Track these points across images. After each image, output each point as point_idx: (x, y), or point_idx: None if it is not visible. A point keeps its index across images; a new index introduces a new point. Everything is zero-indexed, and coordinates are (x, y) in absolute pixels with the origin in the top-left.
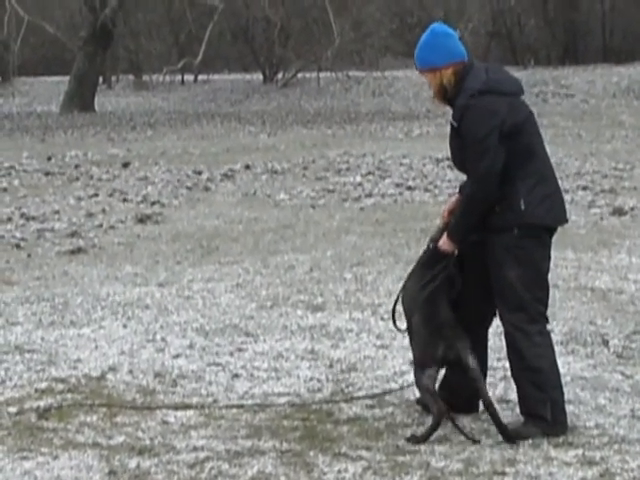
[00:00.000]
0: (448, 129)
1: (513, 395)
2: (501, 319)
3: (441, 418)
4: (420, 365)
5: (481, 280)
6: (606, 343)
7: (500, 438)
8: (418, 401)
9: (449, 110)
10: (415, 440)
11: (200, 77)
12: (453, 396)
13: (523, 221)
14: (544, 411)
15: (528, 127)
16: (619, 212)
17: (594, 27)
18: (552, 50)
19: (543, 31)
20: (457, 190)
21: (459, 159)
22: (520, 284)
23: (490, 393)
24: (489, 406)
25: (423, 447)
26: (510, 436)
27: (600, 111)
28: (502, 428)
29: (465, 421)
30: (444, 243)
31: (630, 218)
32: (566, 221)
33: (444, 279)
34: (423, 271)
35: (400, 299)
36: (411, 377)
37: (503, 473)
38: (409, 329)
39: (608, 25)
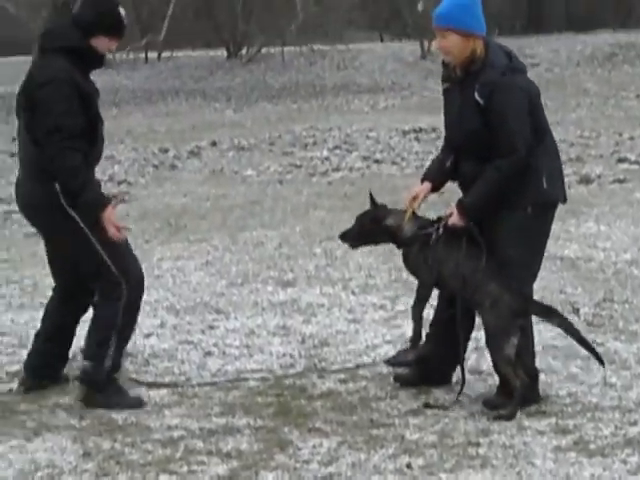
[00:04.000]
0: (454, 103)
1: (485, 366)
2: None
3: (523, 389)
4: (504, 334)
5: None
6: (576, 311)
7: (474, 409)
8: (396, 378)
9: (416, 82)
10: (505, 418)
11: (164, 54)
12: (429, 368)
13: (542, 198)
14: (521, 383)
15: (540, 103)
16: (586, 180)
17: None
18: (516, 19)
19: (506, 1)
20: (425, 169)
21: (474, 137)
22: (518, 263)
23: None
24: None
25: (397, 420)
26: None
27: (565, 80)
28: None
29: (438, 393)
30: (458, 220)
31: (597, 186)
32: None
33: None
34: (459, 251)
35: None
36: (382, 351)
37: (477, 444)
38: (476, 302)
39: None
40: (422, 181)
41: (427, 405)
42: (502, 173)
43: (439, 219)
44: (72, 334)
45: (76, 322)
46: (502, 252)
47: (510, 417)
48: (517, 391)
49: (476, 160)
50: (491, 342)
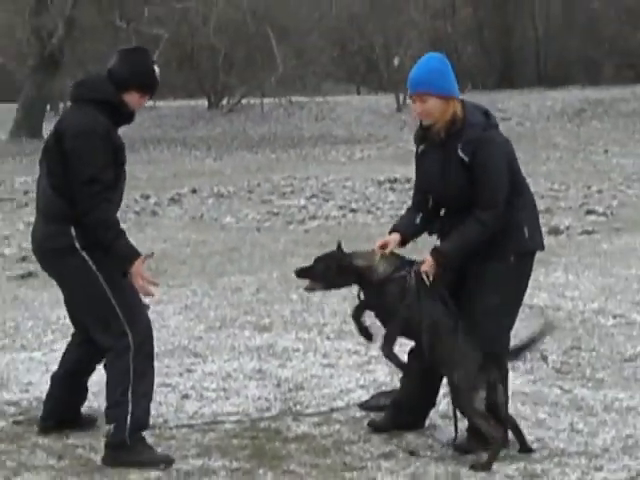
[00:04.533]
0: (435, 162)
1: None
2: None
3: (500, 440)
4: (472, 389)
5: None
6: (545, 359)
7: (445, 453)
8: (370, 423)
9: (391, 133)
10: (480, 468)
11: (146, 104)
12: (402, 413)
13: (524, 248)
14: (498, 435)
15: (516, 158)
16: (555, 232)
17: (528, 53)
18: (489, 75)
19: (480, 57)
20: (395, 223)
21: (457, 192)
22: (500, 311)
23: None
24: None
25: (369, 463)
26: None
27: (535, 133)
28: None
29: (410, 437)
30: (430, 267)
31: (566, 237)
32: None
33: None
34: (431, 302)
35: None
36: (356, 395)
37: None
38: (441, 358)
39: (542, 51)
40: (390, 232)
41: (412, 453)
42: (485, 226)
43: (411, 262)
44: (87, 378)
45: (92, 367)
46: (486, 300)
47: (486, 468)
48: (495, 443)
49: (458, 213)
50: (460, 398)
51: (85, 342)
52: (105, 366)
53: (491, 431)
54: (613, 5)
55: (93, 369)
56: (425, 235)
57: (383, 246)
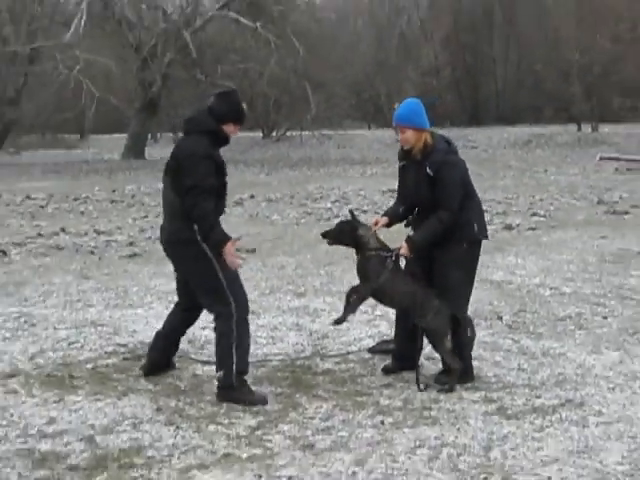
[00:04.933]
0: (411, 175)
1: (436, 355)
2: None
3: (460, 370)
4: (443, 335)
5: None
6: (500, 318)
7: (429, 384)
8: (385, 368)
9: (392, 157)
10: (447, 391)
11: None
12: (399, 359)
13: (474, 237)
14: (459, 366)
15: (469, 175)
16: (509, 228)
17: (491, 101)
18: (462, 116)
19: (456, 103)
20: (385, 210)
21: (425, 197)
22: (458, 282)
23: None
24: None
25: (374, 391)
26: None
27: (495, 158)
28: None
29: (405, 373)
30: (406, 250)
31: (516, 232)
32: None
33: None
34: (413, 280)
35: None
36: (365, 342)
37: (430, 408)
38: (421, 314)
39: (500, 100)
40: (382, 216)
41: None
42: (442, 223)
43: (391, 250)
44: (182, 335)
45: (187, 328)
46: (448, 274)
47: (451, 390)
48: (455, 372)
49: (424, 212)
50: (435, 341)
51: (186, 310)
52: (214, 329)
53: (454, 363)
54: (552, 67)
55: (185, 331)
56: (402, 227)
57: (376, 223)
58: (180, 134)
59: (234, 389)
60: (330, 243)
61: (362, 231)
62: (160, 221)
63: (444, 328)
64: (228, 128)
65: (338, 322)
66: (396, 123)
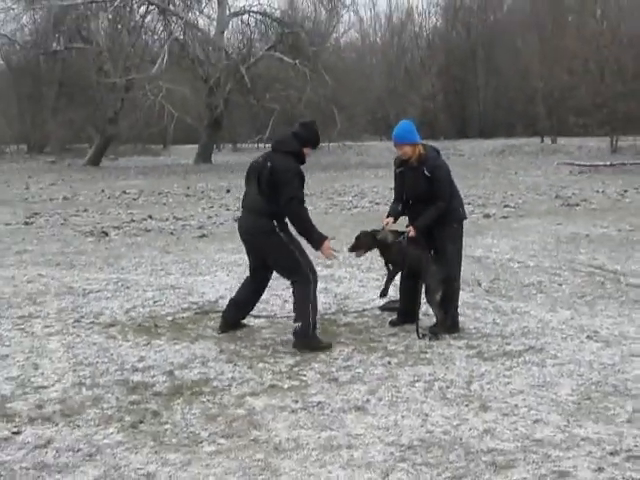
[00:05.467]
0: (410, 177)
1: (431, 312)
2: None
3: (445, 321)
4: (435, 291)
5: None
6: (480, 284)
7: (426, 333)
8: (392, 322)
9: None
10: (435, 338)
11: (267, 145)
12: (404, 314)
13: (460, 218)
14: (447, 320)
15: (450, 173)
16: (487, 216)
17: (475, 119)
18: (453, 131)
19: (448, 121)
20: (388, 211)
21: (423, 193)
22: (452, 253)
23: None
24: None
25: (384, 338)
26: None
27: (478, 163)
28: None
29: (407, 326)
30: (414, 233)
31: (493, 219)
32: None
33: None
34: (421, 249)
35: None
36: (377, 302)
37: (425, 352)
38: (424, 275)
39: (482, 118)
40: (387, 216)
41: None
42: (440, 210)
43: (403, 232)
44: (254, 303)
45: (258, 297)
46: (445, 246)
47: (436, 338)
48: (442, 322)
49: (418, 205)
50: (429, 295)
51: (257, 282)
52: (293, 293)
53: (442, 315)
54: (521, 93)
55: (258, 299)
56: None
57: (387, 223)
58: (240, 144)
59: (310, 338)
60: (359, 255)
61: (380, 235)
62: (223, 211)
63: (436, 286)
64: (307, 150)
65: (383, 293)
66: (395, 142)
